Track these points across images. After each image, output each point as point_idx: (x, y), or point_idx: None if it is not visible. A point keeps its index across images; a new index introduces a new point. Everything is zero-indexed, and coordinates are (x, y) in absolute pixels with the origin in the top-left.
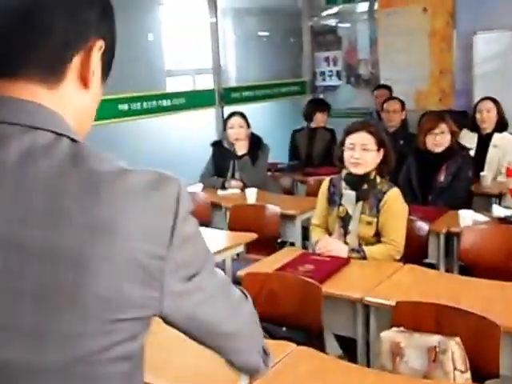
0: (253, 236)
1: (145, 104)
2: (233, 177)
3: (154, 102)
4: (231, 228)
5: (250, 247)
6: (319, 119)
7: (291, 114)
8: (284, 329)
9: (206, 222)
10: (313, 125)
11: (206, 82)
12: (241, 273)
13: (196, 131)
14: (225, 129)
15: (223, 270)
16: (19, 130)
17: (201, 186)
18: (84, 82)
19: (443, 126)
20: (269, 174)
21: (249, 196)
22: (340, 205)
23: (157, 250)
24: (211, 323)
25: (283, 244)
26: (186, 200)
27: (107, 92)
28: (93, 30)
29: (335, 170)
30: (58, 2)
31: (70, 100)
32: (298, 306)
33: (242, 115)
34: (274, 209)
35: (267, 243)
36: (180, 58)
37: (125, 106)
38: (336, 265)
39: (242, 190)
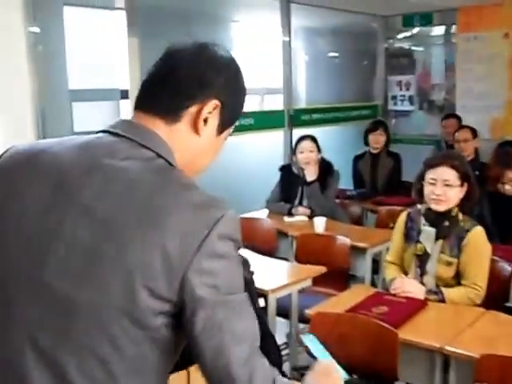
0: (321, 270)
1: None
2: (300, 203)
3: None
4: (298, 258)
5: (318, 279)
6: (372, 141)
7: (359, 138)
8: (355, 376)
9: (270, 251)
10: (372, 150)
11: (275, 103)
12: (310, 312)
13: (263, 154)
14: (294, 153)
15: (289, 304)
16: (134, 145)
17: (266, 212)
18: (195, 127)
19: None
20: (337, 201)
21: (317, 225)
22: (418, 242)
23: (186, 248)
24: (219, 348)
25: (351, 277)
26: (227, 224)
27: None
28: (213, 92)
29: (406, 200)
30: (188, 68)
31: (180, 137)
32: (371, 351)
33: (313, 139)
34: (343, 240)
35: (336, 276)
36: (250, 76)
37: None
38: (412, 308)
39: (310, 217)
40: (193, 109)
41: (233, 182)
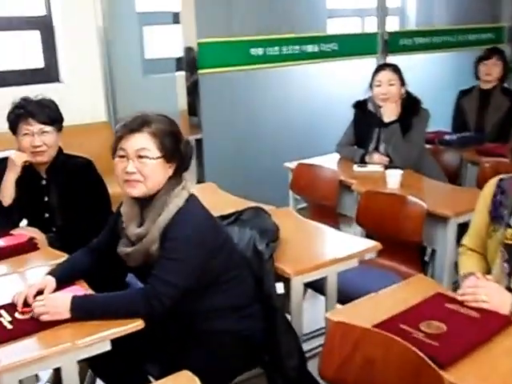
0: (376, 247)
1: (285, 49)
2: (376, 149)
3: (297, 47)
4: (359, 220)
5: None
6: (483, 72)
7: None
8: None
9: (331, 206)
10: (483, 85)
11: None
12: (329, 316)
13: (348, 86)
14: (371, 86)
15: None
16: None
17: (336, 156)
18: None
19: None
20: (427, 147)
21: (390, 179)
22: (509, 226)
23: None
24: None
25: (425, 251)
26: None
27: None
28: None
29: None
30: None
31: None
32: None
33: (395, 69)
34: (417, 204)
35: (405, 250)
36: None
37: (275, 49)
38: (486, 331)
39: (387, 167)
40: None
41: (309, 118)
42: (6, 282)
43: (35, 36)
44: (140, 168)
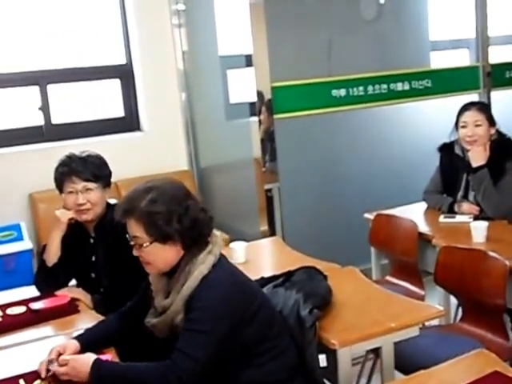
0: (438, 313)
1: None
2: (465, 197)
3: (385, 86)
4: (437, 278)
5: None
6: None
7: None
8: None
9: (410, 262)
10: None
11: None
12: None
13: (443, 125)
14: (456, 127)
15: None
16: None
17: (423, 205)
18: None
19: None
20: None
21: (475, 232)
22: None
23: None
24: None
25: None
26: None
27: None
28: None
29: None
30: None
31: None
32: None
33: (482, 108)
34: (498, 260)
35: (488, 312)
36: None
37: (359, 90)
38: None
39: (477, 218)
40: None
41: (396, 162)
42: (33, 348)
43: (116, 84)
44: (143, 254)
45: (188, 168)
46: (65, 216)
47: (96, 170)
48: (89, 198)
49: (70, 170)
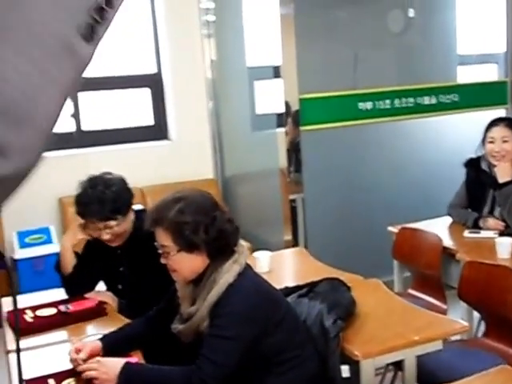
0: (462, 328)
1: (398, 102)
2: (491, 213)
3: (412, 100)
4: (461, 294)
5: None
6: None
7: None
8: None
9: (433, 276)
10: None
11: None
12: None
13: (471, 140)
14: (483, 143)
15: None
16: None
17: (448, 220)
18: None
19: None
20: None
21: (500, 248)
22: None
23: None
24: None
25: None
26: None
27: None
28: None
29: None
30: None
31: None
32: None
33: (510, 124)
34: None
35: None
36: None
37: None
38: None
39: (503, 234)
40: None
41: (422, 176)
42: (62, 349)
43: (146, 93)
44: (171, 262)
45: (213, 177)
46: (81, 235)
47: (114, 204)
48: (112, 233)
49: (87, 213)
